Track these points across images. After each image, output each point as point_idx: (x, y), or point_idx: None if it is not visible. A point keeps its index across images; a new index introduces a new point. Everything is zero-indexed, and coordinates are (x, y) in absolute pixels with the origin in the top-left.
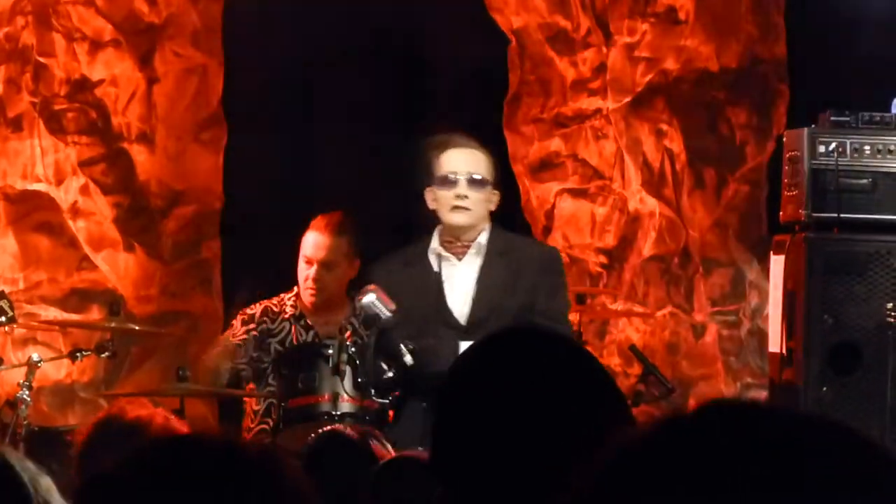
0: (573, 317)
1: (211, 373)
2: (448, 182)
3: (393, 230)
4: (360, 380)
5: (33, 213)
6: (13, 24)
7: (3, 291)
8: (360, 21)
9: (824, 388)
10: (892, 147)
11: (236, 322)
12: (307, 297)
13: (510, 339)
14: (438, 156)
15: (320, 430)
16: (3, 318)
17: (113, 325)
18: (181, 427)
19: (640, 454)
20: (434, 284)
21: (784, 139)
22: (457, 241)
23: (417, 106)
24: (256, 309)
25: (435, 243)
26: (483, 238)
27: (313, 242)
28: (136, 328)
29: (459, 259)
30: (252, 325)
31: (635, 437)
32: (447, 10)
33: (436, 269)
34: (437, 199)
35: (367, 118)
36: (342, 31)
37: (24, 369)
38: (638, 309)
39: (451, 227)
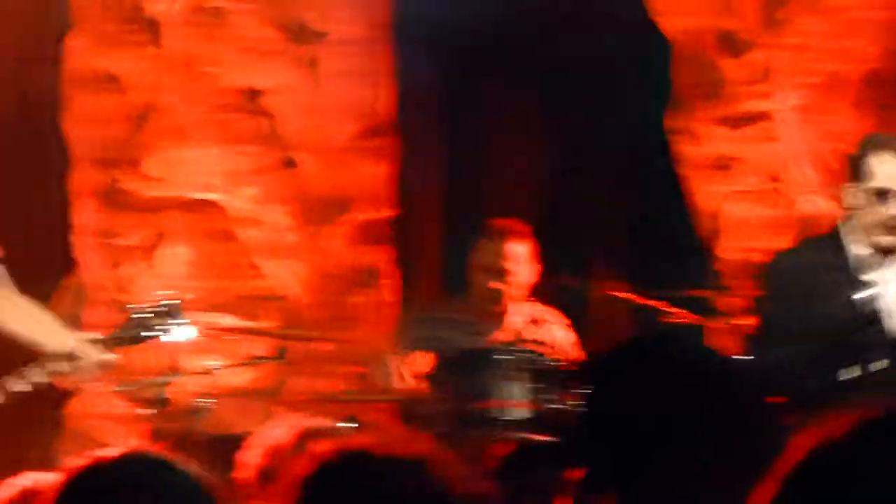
0: None
1: (383, 378)
2: (882, 198)
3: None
4: (531, 385)
5: (206, 222)
6: (184, 35)
7: (178, 303)
8: (519, 26)
9: None
10: None
11: None
12: (494, 304)
13: (677, 339)
14: (872, 155)
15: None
16: (176, 325)
17: (287, 332)
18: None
19: (835, 458)
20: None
21: None
22: (879, 252)
23: (577, 112)
24: None
25: (860, 248)
26: None
27: (502, 251)
28: (310, 335)
29: (882, 267)
30: None
31: (831, 440)
32: (607, 13)
33: (855, 275)
34: (864, 208)
35: (530, 123)
36: (506, 37)
37: (202, 377)
38: None
39: (878, 243)
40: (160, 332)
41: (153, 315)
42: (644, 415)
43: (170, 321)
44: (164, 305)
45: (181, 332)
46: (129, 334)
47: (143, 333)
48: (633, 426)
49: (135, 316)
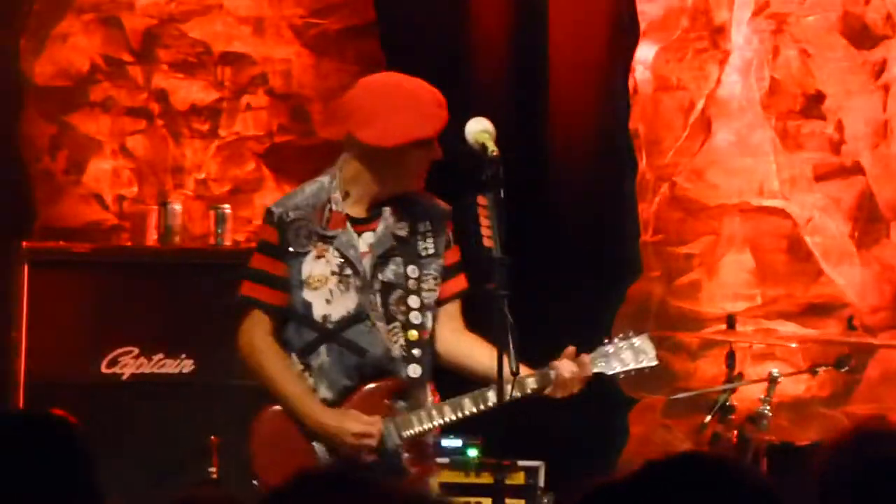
0: None
1: None
2: None
3: None
4: None
5: (769, 229)
6: (749, 40)
7: (648, 339)
8: None
9: None
10: None
11: None
12: None
13: None
14: None
15: None
16: (646, 363)
17: (850, 339)
18: None
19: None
20: None
21: None
22: None
23: None
24: None
25: None
26: None
27: None
28: (874, 342)
29: None
30: None
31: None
32: None
33: None
34: None
35: None
36: None
37: (763, 384)
38: None
39: None
40: (627, 369)
41: (624, 347)
42: None
43: (640, 358)
44: (633, 341)
45: (645, 370)
46: (603, 360)
47: (614, 366)
48: None
49: (604, 348)
